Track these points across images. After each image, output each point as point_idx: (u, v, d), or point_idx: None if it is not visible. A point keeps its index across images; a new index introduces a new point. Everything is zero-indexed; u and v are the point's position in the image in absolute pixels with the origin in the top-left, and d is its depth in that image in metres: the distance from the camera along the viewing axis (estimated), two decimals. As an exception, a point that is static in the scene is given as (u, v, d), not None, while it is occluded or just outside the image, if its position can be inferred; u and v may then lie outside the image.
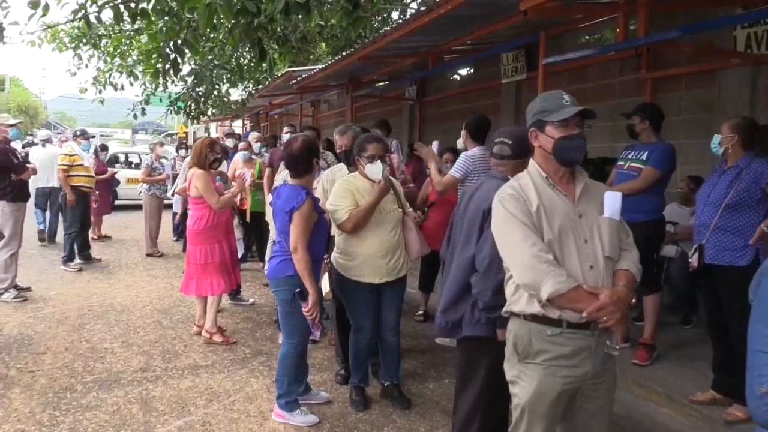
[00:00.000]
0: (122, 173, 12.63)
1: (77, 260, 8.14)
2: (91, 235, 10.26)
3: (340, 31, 15.11)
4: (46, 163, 9.18)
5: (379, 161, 3.87)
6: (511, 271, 2.34)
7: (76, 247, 8.14)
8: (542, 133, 2.36)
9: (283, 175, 5.06)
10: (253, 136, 8.63)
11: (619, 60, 6.91)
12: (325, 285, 4.15)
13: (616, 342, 2.30)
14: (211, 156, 5.37)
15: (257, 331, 5.58)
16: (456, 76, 10.54)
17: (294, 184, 3.72)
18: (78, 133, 8.54)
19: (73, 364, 4.63)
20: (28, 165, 6.69)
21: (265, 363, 4.78)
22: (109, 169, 10.53)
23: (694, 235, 3.97)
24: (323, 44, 15.80)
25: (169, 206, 9.85)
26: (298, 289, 3.58)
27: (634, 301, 2.36)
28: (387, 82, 11.73)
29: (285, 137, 7.68)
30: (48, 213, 9.85)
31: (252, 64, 10.44)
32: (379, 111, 12.94)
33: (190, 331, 5.48)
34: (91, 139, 8.29)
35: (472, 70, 10.02)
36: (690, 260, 3.86)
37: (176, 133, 40.74)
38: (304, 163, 3.71)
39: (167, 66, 6.64)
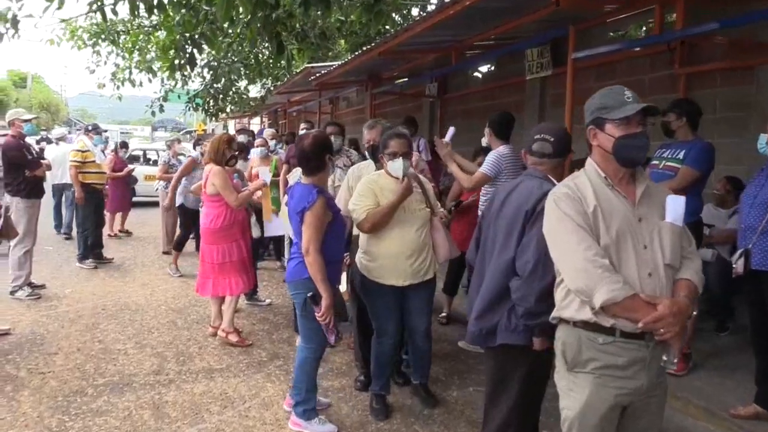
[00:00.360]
0: (140, 170, 12.56)
1: (91, 258, 8.01)
2: (107, 231, 10.21)
3: (359, 27, 14.98)
4: (59, 160, 9.37)
5: (401, 158, 3.68)
6: (563, 275, 2.19)
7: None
8: (601, 132, 2.20)
9: (296, 174, 4.92)
10: (268, 133, 8.47)
11: (649, 56, 6.65)
12: (343, 284, 3.99)
13: (674, 356, 2.10)
14: (228, 153, 5.23)
15: (274, 333, 5.42)
16: (478, 73, 10.29)
17: (306, 183, 3.54)
18: (90, 127, 8.29)
19: (85, 366, 4.49)
20: (42, 161, 6.59)
21: (282, 367, 4.61)
22: (128, 166, 10.46)
23: (738, 239, 3.73)
24: (342, 41, 15.64)
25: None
26: (311, 293, 3.41)
27: (695, 313, 2.15)
28: (406, 79, 11.53)
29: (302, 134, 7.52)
30: (63, 209, 9.93)
31: (271, 60, 10.29)
32: (399, 108, 12.75)
33: (205, 333, 5.33)
34: (103, 134, 8.05)
35: (494, 67, 9.78)
36: (734, 266, 3.62)
37: (195, 131, 40.95)
38: (315, 160, 3.53)
39: (183, 60, 6.53)
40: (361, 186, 3.79)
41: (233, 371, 4.51)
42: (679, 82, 6.19)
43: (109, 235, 10.13)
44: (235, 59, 9.03)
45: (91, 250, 7.94)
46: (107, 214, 10.25)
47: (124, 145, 10.82)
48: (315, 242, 3.35)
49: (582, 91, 7.05)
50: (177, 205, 7.64)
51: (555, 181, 2.74)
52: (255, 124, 26.65)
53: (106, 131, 8.65)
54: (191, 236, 9.20)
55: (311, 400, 3.69)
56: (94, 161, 7.77)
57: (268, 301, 6.45)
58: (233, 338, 5.14)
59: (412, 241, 3.71)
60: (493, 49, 8.43)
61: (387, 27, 16.36)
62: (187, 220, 7.64)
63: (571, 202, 2.15)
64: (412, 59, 9.08)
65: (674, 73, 6.21)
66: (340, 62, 9.13)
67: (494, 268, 2.78)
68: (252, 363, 4.69)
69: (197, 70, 10.25)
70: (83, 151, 7.73)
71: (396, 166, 3.66)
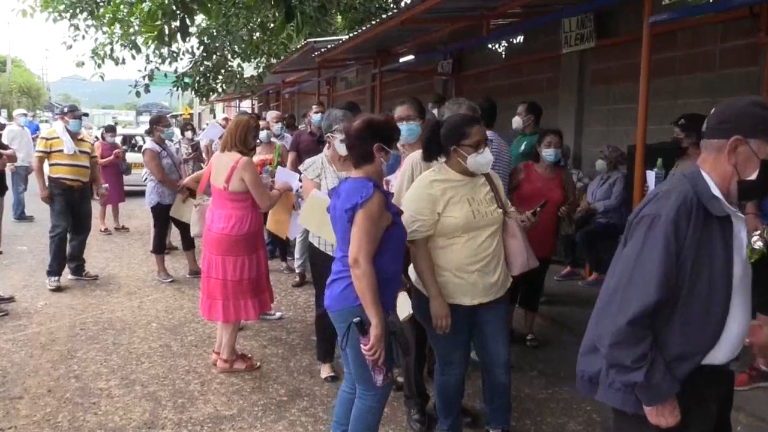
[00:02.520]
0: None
1: (69, 275, 6.42)
2: (102, 227, 9.18)
3: (360, 2, 13.89)
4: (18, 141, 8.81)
5: (487, 149, 2.88)
6: None
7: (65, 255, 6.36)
8: None
9: (312, 166, 3.96)
10: (273, 115, 7.45)
11: (721, 23, 5.68)
12: (403, 307, 3.10)
13: None
14: (253, 142, 4.28)
15: (291, 360, 4.46)
16: (501, 47, 9.25)
17: (358, 177, 2.68)
18: (65, 109, 6.43)
19: (57, 417, 3.50)
20: (3, 152, 5.51)
21: (308, 411, 3.66)
22: (115, 151, 9.41)
23: None
24: (338, 17, 14.52)
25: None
26: (357, 318, 2.54)
27: None
28: (415, 56, 10.49)
29: (315, 117, 6.54)
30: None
31: (268, 33, 9.18)
32: (406, 88, 11.69)
33: (207, 360, 4.36)
34: (83, 118, 6.66)
35: (521, 40, 8.75)
36: None
37: (181, 115, 39.63)
38: (360, 146, 2.70)
39: (173, 27, 5.49)
40: (417, 190, 2.94)
41: (247, 419, 3.54)
42: (765, 53, 5.24)
43: (103, 230, 9.13)
44: (231, 31, 7.95)
45: (71, 262, 6.44)
46: (98, 207, 9.24)
47: (111, 129, 9.65)
48: (367, 250, 2.52)
49: (629, 67, 6.13)
50: (152, 205, 6.51)
51: (702, 177, 1.85)
52: (245, 106, 25.36)
53: (86, 114, 7.29)
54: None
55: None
56: (62, 150, 6.09)
57: (278, 314, 5.49)
58: (240, 366, 4.22)
59: (482, 250, 2.89)
60: (526, 19, 7.41)
61: (389, 1, 15.32)
62: (163, 218, 6.55)
63: None
64: (433, 30, 8.02)
65: (758, 42, 5.25)
66: (347, 36, 8.08)
67: (604, 286, 1.99)
68: (269, 405, 3.73)
69: (186, 45, 9.18)
70: (49, 139, 6.13)
71: (484, 160, 2.85)
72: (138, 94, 9.95)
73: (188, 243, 6.70)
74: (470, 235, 2.86)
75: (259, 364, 4.30)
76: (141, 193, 12.24)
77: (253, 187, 4.04)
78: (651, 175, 4.06)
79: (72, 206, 6.23)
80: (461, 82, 10.13)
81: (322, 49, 8.97)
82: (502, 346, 3.07)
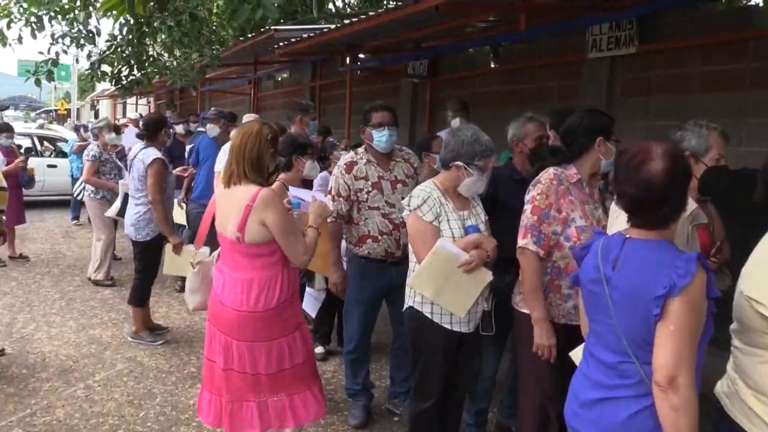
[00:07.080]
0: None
1: None
2: (8, 252, 6.97)
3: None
4: None
5: None
6: None
7: None
8: None
9: (423, 201, 2.64)
10: (251, 117, 5.82)
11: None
12: None
13: None
14: (272, 163, 2.71)
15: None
16: (495, 49, 8.09)
17: (654, 239, 1.78)
18: None
19: None
20: None
21: None
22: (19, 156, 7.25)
23: None
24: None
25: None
26: None
27: None
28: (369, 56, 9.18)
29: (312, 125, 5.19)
30: None
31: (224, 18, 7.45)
32: (365, 90, 10.28)
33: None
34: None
35: (520, 40, 7.65)
36: None
37: (56, 110, 35.35)
38: (677, 201, 1.78)
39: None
40: None
41: None
42: None
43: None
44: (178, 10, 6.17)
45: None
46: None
47: (7, 128, 7.27)
48: (690, 364, 1.64)
49: (682, 77, 5.20)
50: (148, 238, 4.58)
51: None
52: (142, 105, 22.56)
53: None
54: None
55: None
56: None
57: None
58: None
59: None
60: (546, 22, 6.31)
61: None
62: (156, 256, 4.74)
63: None
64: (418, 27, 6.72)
65: None
66: (339, 24, 6.55)
67: None
68: None
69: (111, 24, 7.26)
70: None
71: None
72: (38, 82, 7.80)
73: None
74: None
75: None
76: (35, 205, 10.02)
77: (283, 234, 2.58)
78: None
79: None
80: (437, 86, 8.91)
81: (293, 39, 7.36)
82: None
